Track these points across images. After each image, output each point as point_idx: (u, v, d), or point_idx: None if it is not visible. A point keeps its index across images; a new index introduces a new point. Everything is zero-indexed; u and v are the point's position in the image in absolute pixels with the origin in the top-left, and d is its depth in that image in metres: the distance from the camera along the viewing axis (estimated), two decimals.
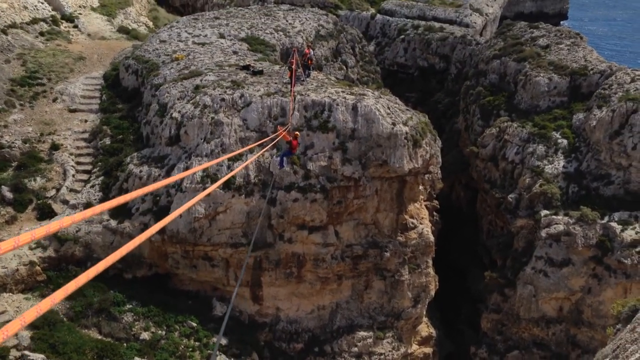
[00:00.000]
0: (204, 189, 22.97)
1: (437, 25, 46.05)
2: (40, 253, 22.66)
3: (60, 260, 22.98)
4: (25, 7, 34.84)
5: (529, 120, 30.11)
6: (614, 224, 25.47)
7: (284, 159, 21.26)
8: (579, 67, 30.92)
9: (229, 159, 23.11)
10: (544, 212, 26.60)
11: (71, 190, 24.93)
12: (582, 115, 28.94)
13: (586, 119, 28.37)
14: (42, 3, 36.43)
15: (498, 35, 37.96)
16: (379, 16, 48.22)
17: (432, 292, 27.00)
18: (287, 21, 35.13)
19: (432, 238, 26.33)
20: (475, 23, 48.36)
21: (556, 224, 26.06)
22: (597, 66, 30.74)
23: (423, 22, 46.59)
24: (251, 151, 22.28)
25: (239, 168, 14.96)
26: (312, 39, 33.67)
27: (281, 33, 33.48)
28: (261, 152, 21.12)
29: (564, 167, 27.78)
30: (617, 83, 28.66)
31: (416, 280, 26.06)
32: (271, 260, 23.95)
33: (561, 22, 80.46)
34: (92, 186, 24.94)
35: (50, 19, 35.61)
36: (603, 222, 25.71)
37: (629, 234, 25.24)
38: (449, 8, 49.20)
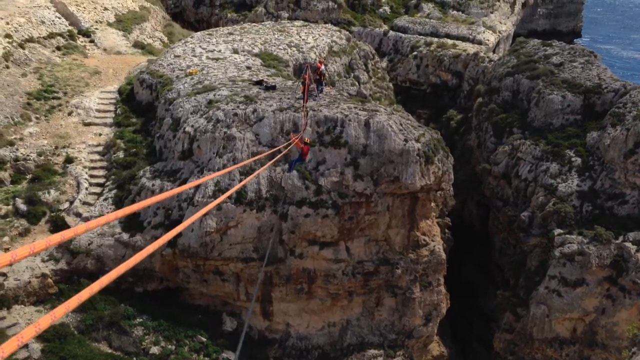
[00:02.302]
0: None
1: (449, 42, 46.12)
2: (52, 265, 22.78)
3: (72, 272, 23.07)
4: (43, 22, 35.33)
5: (542, 138, 29.96)
6: (628, 244, 25.17)
7: (294, 164, 21.48)
8: (593, 85, 30.77)
9: (241, 174, 23.18)
10: (557, 231, 26.35)
11: (84, 203, 25.08)
12: (596, 134, 28.74)
13: (600, 137, 28.19)
14: (60, 18, 36.94)
15: (511, 53, 37.92)
16: (391, 33, 48.40)
17: (444, 310, 26.77)
18: (300, 37, 35.36)
19: (443, 255, 26.15)
20: (488, 40, 48.38)
21: (570, 243, 25.81)
22: (611, 84, 30.58)
23: (436, 39, 46.68)
24: (262, 165, 22.33)
25: (250, 176, 15.01)
26: (325, 54, 33.83)
27: (294, 49, 33.68)
28: (274, 160, 21.10)
29: (577, 185, 27.56)
30: (632, 102, 28.48)
31: (427, 298, 25.86)
32: (282, 276, 23.88)
33: (575, 40, 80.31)
34: (105, 199, 25.09)
35: (67, 33, 36.08)
36: (617, 241, 25.42)
37: None
38: (462, 25, 49.28)
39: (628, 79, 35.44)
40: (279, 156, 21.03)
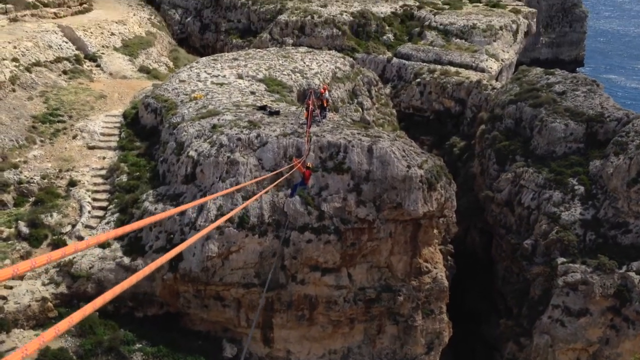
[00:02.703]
0: (219, 227, 22.99)
1: (453, 69, 46.40)
2: (52, 289, 22.68)
3: (72, 296, 22.95)
4: (50, 46, 35.75)
5: (545, 166, 29.97)
6: (632, 274, 25.00)
7: (297, 188, 21.49)
8: (596, 114, 30.87)
9: (244, 199, 23.18)
10: (560, 260, 26.21)
11: (86, 226, 25.07)
12: (598, 162, 28.75)
13: (603, 166, 28.19)
14: (67, 42, 37.38)
15: (514, 81, 38.14)
16: (395, 60, 48.77)
17: (446, 339, 26.49)
18: (304, 63, 35.65)
19: (446, 283, 25.97)
20: (491, 68, 48.68)
21: (573, 272, 25.64)
22: (614, 113, 30.67)
23: (439, 66, 46.98)
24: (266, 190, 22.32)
25: (252, 199, 15.02)
26: (329, 80, 34.07)
27: (298, 74, 33.94)
28: (275, 183, 21.10)
29: (580, 214, 27.47)
30: (635, 131, 28.54)
31: (430, 326, 25.62)
32: (283, 302, 23.73)
33: (577, 69, 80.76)
34: (107, 223, 25.08)
35: (74, 58, 36.48)
36: (621, 271, 25.25)
37: None
38: (465, 53, 49.66)
39: (631, 108, 35.51)
40: (280, 179, 21.05)
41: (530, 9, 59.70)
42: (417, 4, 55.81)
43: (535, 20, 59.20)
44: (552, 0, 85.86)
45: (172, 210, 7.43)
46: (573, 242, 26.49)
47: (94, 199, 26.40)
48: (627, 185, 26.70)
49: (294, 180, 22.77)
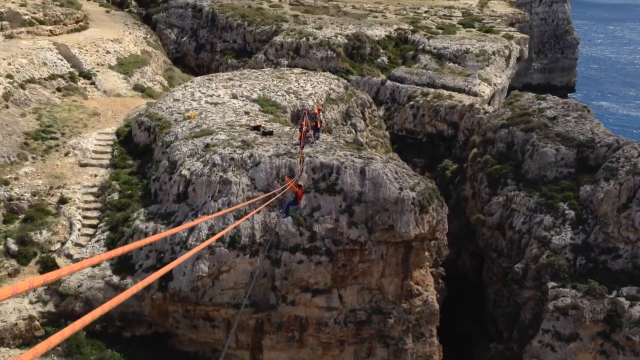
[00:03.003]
0: (210, 247, 22.92)
1: (446, 93, 46.78)
2: (40, 308, 22.44)
3: (60, 315, 22.71)
4: (45, 64, 35.85)
5: (536, 190, 30.13)
6: (622, 299, 25.04)
7: (289, 207, 21.51)
8: (586, 139, 31.14)
9: (236, 219, 23.12)
10: (551, 284, 26.23)
11: (76, 244, 24.90)
12: (589, 187, 28.93)
13: (593, 191, 28.36)
14: (62, 60, 37.49)
15: (506, 105, 38.47)
16: (389, 82, 49.14)
17: None
18: (299, 84, 35.85)
19: (437, 306, 25.90)
20: (483, 92, 49.11)
21: (563, 296, 25.65)
22: (605, 139, 30.95)
23: (432, 90, 47.35)
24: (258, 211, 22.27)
25: (243, 219, 15.00)
26: (322, 102, 34.24)
27: (292, 95, 34.11)
28: (267, 203, 21.05)
29: (571, 238, 27.57)
30: (625, 156, 28.79)
31: (420, 349, 25.48)
32: (273, 323, 23.56)
33: (569, 95, 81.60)
34: (97, 241, 24.93)
35: (68, 75, 36.55)
36: (611, 296, 25.28)
37: (638, 310, 24.75)
38: (458, 77, 50.11)
39: (621, 134, 35.82)
40: (272, 199, 21.06)
41: (523, 35, 60.44)
42: (412, 28, 56.43)
43: (527, 46, 59.91)
44: (545, 26, 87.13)
45: (167, 232, 7.41)
46: (563, 267, 26.54)
47: (85, 217, 26.26)
48: (618, 210, 26.85)
49: (287, 199, 22.79)
